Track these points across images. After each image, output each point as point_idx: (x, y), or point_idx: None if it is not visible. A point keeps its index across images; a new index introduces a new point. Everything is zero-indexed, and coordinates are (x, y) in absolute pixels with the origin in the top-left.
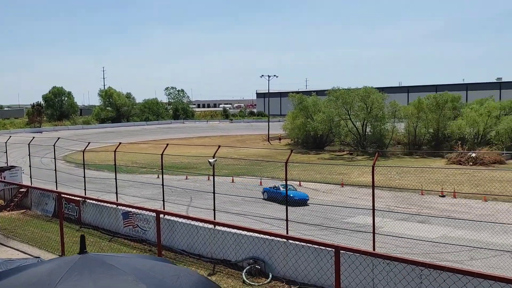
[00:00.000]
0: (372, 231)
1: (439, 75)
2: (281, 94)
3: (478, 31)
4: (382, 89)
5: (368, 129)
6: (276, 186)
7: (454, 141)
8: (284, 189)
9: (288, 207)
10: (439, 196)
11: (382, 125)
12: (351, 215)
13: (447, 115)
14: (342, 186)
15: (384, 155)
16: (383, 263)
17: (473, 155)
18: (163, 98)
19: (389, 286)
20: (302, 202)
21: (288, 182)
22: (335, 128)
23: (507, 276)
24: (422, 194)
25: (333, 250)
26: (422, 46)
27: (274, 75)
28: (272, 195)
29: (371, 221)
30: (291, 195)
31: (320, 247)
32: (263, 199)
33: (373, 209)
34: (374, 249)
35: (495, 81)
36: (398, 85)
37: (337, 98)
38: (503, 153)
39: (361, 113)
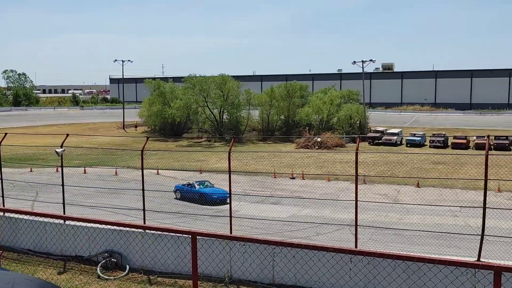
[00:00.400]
0: (229, 215)
1: (289, 66)
2: (136, 80)
3: (323, 26)
4: (237, 78)
5: (225, 116)
6: (191, 183)
7: (302, 127)
8: (201, 187)
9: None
10: (290, 178)
11: (238, 112)
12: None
13: (296, 103)
14: (201, 173)
15: (240, 141)
16: (239, 245)
17: (319, 139)
18: (1, 83)
19: (245, 266)
20: (222, 200)
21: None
22: (193, 115)
23: (344, 247)
24: (275, 177)
25: (190, 236)
26: (274, 37)
27: (129, 60)
28: (186, 194)
29: (228, 206)
30: (209, 192)
31: (177, 234)
32: (175, 198)
33: (230, 194)
34: (231, 232)
35: (336, 72)
36: (252, 74)
37: (194, 85)
38: (343, 137)
39: (218, 101)
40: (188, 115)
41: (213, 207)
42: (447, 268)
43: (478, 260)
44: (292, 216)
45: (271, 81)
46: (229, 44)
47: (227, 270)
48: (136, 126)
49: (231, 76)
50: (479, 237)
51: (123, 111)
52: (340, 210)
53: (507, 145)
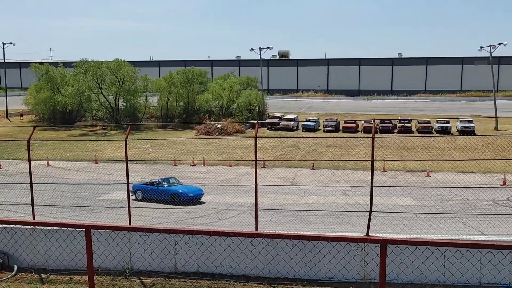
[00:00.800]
0: (127, 206)
1: (188, 52)
2: (20, 65)
3: (221, 12)
4: (134, 63)
5: (121, 103)
6: (154, 181)
7: (202, 113)
8: (167, 184)
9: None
10: (191, 165)
11: (135, 99)
12: (106, 192)
13: (196, 89)
14: (96, 163)
15: (138, 129)
16: (138, 235)
17: (219, 126)
18: None
19: (146, 256)
20: (197, 199)
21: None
22: (86, 103)
23: (244, 231)
24: (175, 165)
25: (84, 230)
26: (172, 23)
27: (10, 43)
28: (150, 195)
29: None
30: (184, 192)
31: (71, 229)
32: (135, 199)
33: (128, 184)
34: (130, 223)
35: (235, 59)
36: (149, 59)
37: (87, 71)
38: (243, 123)
39: (113, 87)
40: (81, 102)
41: (110, 199)
42: (340, 244)
43: (367, 235)
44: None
45: (169, 67)
46: (125, 28)
47: (126, 262)
48: (21, 115)
49: (127, 61)
50: (368, 213)
51: (6, 98)
52: (241, 194)
53: (390, 128)
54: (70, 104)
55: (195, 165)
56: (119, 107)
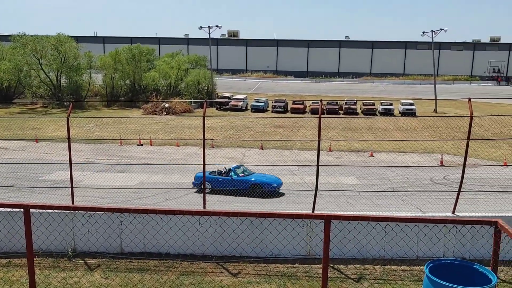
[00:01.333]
0: (70, 186)
1: (134, 28)
2: None
3: None
4: (77, 38)
5: (63, 80)
6: (223, 169)
7: (149, 92)
8: (242, 173)
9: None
10: (137, 145)
11: (78, 76)
12: (48, 172)
13: (143, 67)
14: (37, 142)
15: (82, 107)
16: (81, 215)
17: (167, 105)
18: None
19: (89, 236)
20: (278, 189)
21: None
22: (25, 79)
23: (191, 209)
24: (121, 144)
25: (22, 210)
26: None
27: None
28: (221, 186)
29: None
30: (266, 182)
31: (8, 209)
32: (197, 192)
33: (70, 163)
34: (73, 203)
35: (183, 37)
36: (94, 35)
37: (25, 45)
38: (191, 103)
39: (54, 63)
40: (19, 78)
41: (52, 179)
42: (286, 221)
43: (313, 212)
44: (140, 183)
45: (114, 43)
46: (67, 2)
47: (69, 243)
48: None
49: (70, 36)
50: (314, 192)
51: None
52: (189, 175)
53: (337, 109)
54: (7, 80)
55: (141, 145)
56: (61, 84)
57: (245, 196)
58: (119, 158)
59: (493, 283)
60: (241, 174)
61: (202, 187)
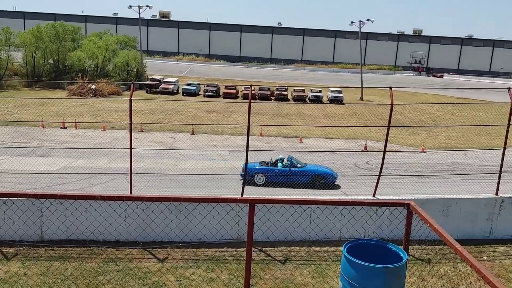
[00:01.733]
0: None
1: (58, 4)
2: None
3: None
4: None
5: None
6: (273, 161)
7: (75, 73)
8: (291, 164)
9: None
10: (61, 128)
11: None
12: None
13: (68, 46)
14: None
15: (0, 87)
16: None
17: (93, 86)
18: None
19: (9, 224)
20: (336, 180)
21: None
22: None
23: (116, 194)
24: (43, 127)
25: None
26: None
27: None
28: (276, 178)
29: None
30: (324, 172)
31: None
32: (242, 181)
33: None
34: None
35: (112, 16)
36: (13, 10)
37: None
38: (120, 84)
39: None
40: None
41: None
42: (213, 206)
43: (242, 196)
44: (64, 168)
45: (36, 19)
46: None
47: None
48: None
49: None
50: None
51: None
52: (115, 159)
53: (268, 95)
54: None
55: (65, 128)
56: None
57: (303, 188)
58: (40, 141)
59: (403, 260)
60: (288, 164)
61: (243, 178)
